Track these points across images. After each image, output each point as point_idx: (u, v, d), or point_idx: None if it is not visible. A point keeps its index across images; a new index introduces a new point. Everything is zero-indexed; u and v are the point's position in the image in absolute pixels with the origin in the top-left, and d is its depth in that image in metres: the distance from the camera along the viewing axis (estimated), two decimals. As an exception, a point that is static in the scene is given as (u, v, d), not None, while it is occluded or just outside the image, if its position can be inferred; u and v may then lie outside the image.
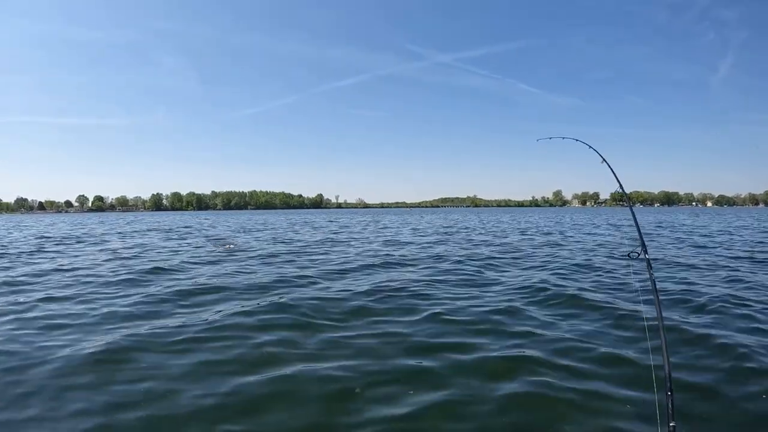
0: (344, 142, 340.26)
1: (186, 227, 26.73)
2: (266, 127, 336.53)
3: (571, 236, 16.88)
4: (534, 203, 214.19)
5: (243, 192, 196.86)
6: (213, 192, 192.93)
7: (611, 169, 3.47)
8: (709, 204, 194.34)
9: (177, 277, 7.63)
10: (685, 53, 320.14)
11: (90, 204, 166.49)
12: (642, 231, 3.13)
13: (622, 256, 9.68)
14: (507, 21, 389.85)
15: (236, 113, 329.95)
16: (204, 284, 6.75)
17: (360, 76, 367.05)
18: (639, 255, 2.76)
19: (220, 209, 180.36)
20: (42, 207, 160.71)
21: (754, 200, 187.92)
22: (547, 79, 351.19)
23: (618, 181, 3.38)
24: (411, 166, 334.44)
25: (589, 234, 18.07)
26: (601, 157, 3.64)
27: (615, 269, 8.22)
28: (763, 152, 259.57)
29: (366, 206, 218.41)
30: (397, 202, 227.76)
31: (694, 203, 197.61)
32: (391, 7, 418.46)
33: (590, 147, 3.93)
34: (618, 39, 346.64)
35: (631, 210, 3.37)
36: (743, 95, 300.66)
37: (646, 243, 2.86)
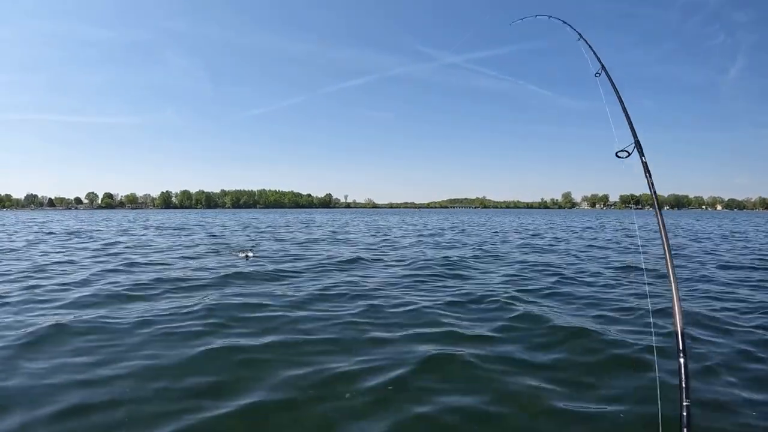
0: (353, 142, 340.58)
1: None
2: (275, 126, 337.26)
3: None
4: (543, 205, 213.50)
5: (252, 191, 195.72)
6: (222, 190, 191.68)
7: (590, 46, 3.05)
8: (719, 208, 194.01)
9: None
10: (696, 56, 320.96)
11: (99, 201, 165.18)
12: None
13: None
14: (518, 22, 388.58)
15: (245, 113, 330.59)
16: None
17: (369, 77, 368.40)
18: (630, 154, 2.11)
19: (228, 207, 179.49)
20: (52, 204, 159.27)
21: (764, 204, 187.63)
22: (557, 81, 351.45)
23: (598, 60, 2.88)
24: (420, 167, 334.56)
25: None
26: (578, 34, 3.25)
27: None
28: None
29: (375, 206, 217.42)
30: (405, 203, 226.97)
31: (703, 207, 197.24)
32: (400, 9, 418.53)
33: (564, 22, 3.57)
34: (629, 41, 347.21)
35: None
36: (754, 98, 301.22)
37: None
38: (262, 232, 19.83)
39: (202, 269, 7.82)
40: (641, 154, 2.06)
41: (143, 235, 17.65)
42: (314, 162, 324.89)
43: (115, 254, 10.34)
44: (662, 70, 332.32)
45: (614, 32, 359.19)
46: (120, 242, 13.92)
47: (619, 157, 2.11)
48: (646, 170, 2.02)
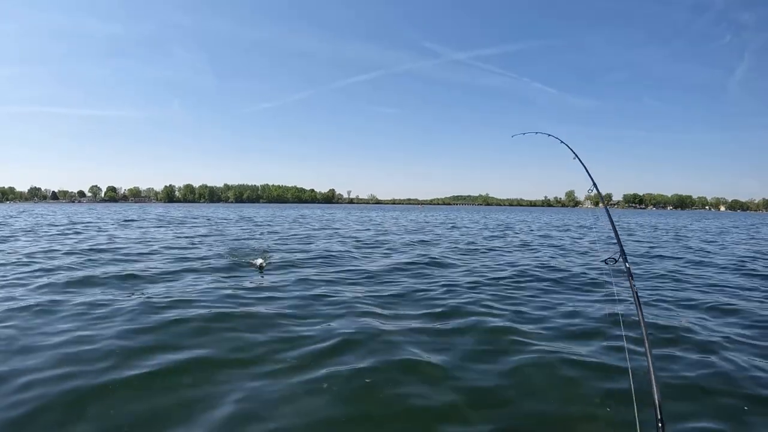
0: (358, 137, 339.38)
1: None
2: (280, 121, 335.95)
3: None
4: (546, 203, 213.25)
5: (255, 185, 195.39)
6: (225, 185, 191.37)
7: (584, 166, 3.27)
8: (723, 208, 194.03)
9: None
10: (703, 56, 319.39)
11: (103, 194, 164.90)
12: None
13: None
14: (524, 20, 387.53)
15: (251, 107, 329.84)
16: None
17: (375, 73, 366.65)
18: (617, 261, 2.41)
19: (232, 202, 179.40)
20: (55, 197, 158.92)
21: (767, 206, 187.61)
22: (563, 80, 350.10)
23: (591, 178, 3.12)
24: (424, 163, 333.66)
25: None
26: (574, 153, 3.43)
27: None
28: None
29: (378, 202, 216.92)
30: (409, 199, 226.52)
31: (707, 207, 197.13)
32: (407, 5, 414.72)
33: (562, 142, 3.71)
34: (636, 40, 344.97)
35: (607, 211, 3.01)
36: (761, 99, 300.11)
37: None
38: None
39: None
40: (625, 260, 2.37)
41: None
42: (318, 157, 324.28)
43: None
44: (670, 69, 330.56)
45: (622, 30, 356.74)
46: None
47: (607, 263, 2.42)
48: (630, 274, 2.27)
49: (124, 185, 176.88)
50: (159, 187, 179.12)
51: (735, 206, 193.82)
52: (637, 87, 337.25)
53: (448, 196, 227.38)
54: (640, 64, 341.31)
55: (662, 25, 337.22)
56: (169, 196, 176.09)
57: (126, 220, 24.17)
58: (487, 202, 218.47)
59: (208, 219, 27.03)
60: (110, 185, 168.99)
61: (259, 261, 7.94)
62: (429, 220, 30.78)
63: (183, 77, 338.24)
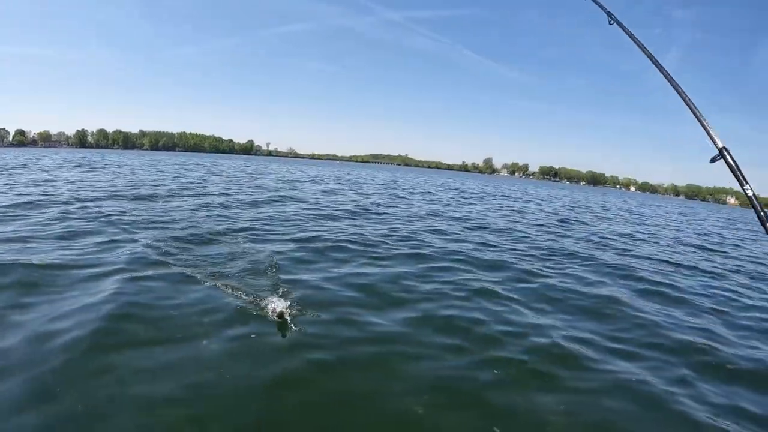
0: (279, 89, 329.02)
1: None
2: (202, 66, 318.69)
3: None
4: (464, 168, 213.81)
5: (172, 133, 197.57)
6: (141, 131, 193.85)
7: None
8: (633, 189, 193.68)
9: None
10: (632, 44, 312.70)
11: (11, 138, 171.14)
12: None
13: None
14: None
15: (173, 50, 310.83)
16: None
17: (305, 24, 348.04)
18: None
19: (146, 149, 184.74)
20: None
21: (675, 191, 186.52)
22: (495, 50, 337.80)
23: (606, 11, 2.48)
24: (347, 120, 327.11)
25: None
26: None
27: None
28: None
29: (296, 156, 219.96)
30: (328, 154, 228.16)
31: (618, 186, 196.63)
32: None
33: None
34: (573, 21, 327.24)
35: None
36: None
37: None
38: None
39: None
40: (730, 157, 1.71)
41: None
42: (238, 106, 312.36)
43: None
44: (598, 52, 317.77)
45: (559, 10, 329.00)
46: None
47: (715, 160, 1.72)
48: (741, 177, 1.68)
49: (34, 129, 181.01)
50: (71, 131, 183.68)
51: (645, 188, 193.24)
52: (565, 66, 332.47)
53: (368, 153, 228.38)
54: (571, 44, 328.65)
55: (598, 9, 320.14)
56: (81, 141, 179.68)
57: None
58: (406, 162, 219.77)
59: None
60: (19, 128, 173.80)
61: (279, 308, 3.97)
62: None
63: (102, 16, 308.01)
